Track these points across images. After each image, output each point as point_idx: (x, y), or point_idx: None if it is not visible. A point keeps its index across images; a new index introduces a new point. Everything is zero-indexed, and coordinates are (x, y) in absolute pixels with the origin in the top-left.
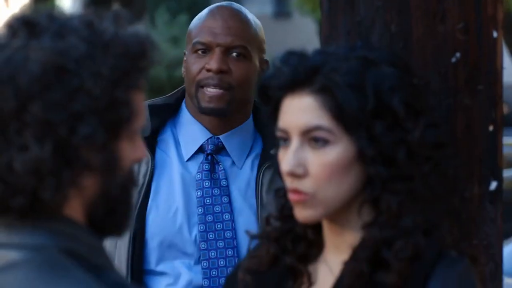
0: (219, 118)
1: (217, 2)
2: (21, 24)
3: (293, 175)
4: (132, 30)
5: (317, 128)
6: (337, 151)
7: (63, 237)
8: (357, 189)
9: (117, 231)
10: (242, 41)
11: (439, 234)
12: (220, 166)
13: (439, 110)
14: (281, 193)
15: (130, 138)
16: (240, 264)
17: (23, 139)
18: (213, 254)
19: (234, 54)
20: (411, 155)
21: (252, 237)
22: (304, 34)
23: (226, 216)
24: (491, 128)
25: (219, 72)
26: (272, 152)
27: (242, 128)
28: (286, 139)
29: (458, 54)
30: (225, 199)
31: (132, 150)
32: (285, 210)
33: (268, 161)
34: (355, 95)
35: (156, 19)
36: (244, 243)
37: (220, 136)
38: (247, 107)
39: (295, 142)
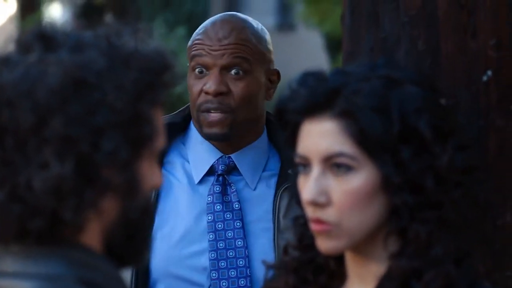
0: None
1: (217, 14)
2: (36, 39)
3: (315, 204)
4: (153, 45)
5: (340, 154)
6: (361, 178)
7: (81, 266)
8: (383, 218)
9: (136, 260)
10: (241, 55)
11: (471, 264)
12: (233, 187)
13: (470, 131)
14: (300, 221)
15: (150, 160)
16: None
17: (43, 156)
18: (224, 284)
19: (233, 72)
20: (440, 181)
21: (269, 267)
22: (309, 48)
23: (239, 243)
24: None
25: (218, 94)
26: (290, 171)
27: (254, 146)
28: (306, 166)
29: (489, 72)
30: (238, 223)
31: (152, 174)
32: (305, 239)
33: (286, 182)
34: (379, 118)
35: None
36: (259, 272)
37: (232, 155)
38: (257, 124)
39: (316, 169)
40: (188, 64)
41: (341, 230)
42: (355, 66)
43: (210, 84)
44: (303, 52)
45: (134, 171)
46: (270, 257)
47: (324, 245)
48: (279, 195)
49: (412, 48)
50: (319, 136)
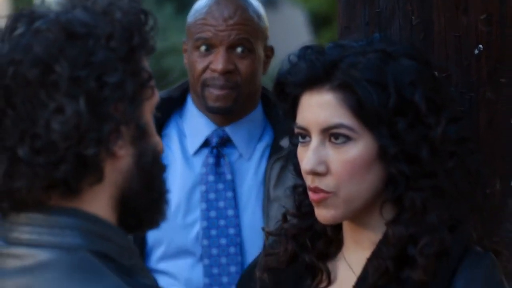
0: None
1: None
2: (19, 17)
3: (315, 173)
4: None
5: (338, 126)
6: (359, 148)
7: (95, 238)
8: (379, 187)
9: (155, 218)
10: (246, 35)
11: (464, 230)
12: (225, 159)
13: (461, 104)
14: (299, 189)
15: (151, 116)
16: (255, 262)
17: (56, 101)
18: (215, 251)
19: (239, 50)
20: (434, 151)
21: (269, 234)
22: (292, 25)
23: (230, 212)
24: None
25: (225, 72)
26: (281, 143)
27: (249, 118)
28: (305, 136)
29: (480, 46)
30: (230, 194)
31: (155, 135)
32: (303, 207)
33: (278, 153)
34: (376, 91)
35: None
36: (249, 240)
37: (226, 128)
38: (255, 97)
39: (315, 139)
40: (184, 41)
41: (339, 199)
42: (351, 40)
43: (218, 62)
44: (287, 29)
45: (140, 113)
46: (260, 226)
47: (323, 214)
48: (271, 165)
49: (406, 23)
50: (318, 108)
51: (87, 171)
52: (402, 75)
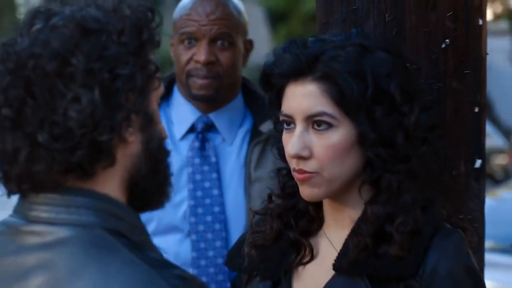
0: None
1: None
2: (37, 13)
3: (299, 157)
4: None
5: (321, 114)
6: (339, 134)
7: (108, 216)
8: (358, 170)
9: (160, 199)
10: (227, 29)
11: (435, 210)
12: (210, 143)
13: (430, 93)
14: (283, 172)
15: (157, 106)
16: (242, 239)
17: (72, 91)
18: (201, 228)
19: (220, 43)
20: (408, 137)
21: (255, 213)
22: (251, 22)
23: (215, 192)
24: (476, 110)
25: (207, 63)
26: (261, 129)
27: (231, 106)
28: (290, 123)
29: (447, 41)
30: (214, 175)
31: (160, 123)
32: (287, 189)
33: (258, 137)
34: (355, 82)
35: None
36: (232, 217)
37: (210, 115)
38: (235, 86)
39: (299, 126)
40: (171, 35)
41: (322, 178)
42: (331, 35)
43: (200, 54)
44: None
45: (147, 102)
46: (242, 204)
47: (307, 191)
48: (252, 149)
49: (380, 20)
50: (302, 97)
51: (101, 156)
52: (379, 67)
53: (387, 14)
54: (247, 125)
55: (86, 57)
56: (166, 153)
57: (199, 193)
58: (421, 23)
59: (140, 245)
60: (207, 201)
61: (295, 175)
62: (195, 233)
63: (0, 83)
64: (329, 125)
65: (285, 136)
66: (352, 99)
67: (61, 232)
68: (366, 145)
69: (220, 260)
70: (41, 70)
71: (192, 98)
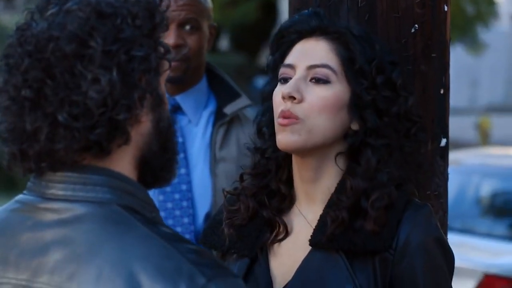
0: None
1: None
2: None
3: (290, 97)
4: None
5: (324, 65)
6: (335, 90)
7: (122, 193)
8: (338, 135)
9: (168, 175)
10: (194, 14)
11: (407, 187)
12: (177, 124)
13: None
14: (257, 151)
15: (164, 87)
16: (217, 219)
17: (91, 72)
18: (169, 205)
19: (188, 27)
20: (399, 116)
21: (228, 193)
22: None
23: (182, 171)
24: (442, 91)
25: (176, 46)
26: (225, 111)
27: (196, 89)
28: (287, 80)
29: (416, 26)
30: (181, 155)
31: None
32: (260, 167)
33: (222, 119)
34: (366, 48)
35: None
36: (199, 195)
37: (176, 97)
38: (200, 69)
39: (299, 72)
40: None
41: (305, 126)
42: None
43: (170, 38)
44: None
45: (158, 82)
46: (208, 183)
47: (286, 138)
48: (216, 130)
49: (353, 5)
50: (312, 49)
51: (117, 134)
52: (385, 52)
53: (359, 0)
54: (211, 107)
55: (103, 40)
56: (174, 131)
57: None
58: (392, 8)
59: (153, 221)
60: (175, 179)
61: (279, 121)
62: (163, 210)
63: (18, 65)
64: (327, 82)
65: (278, 88)
66: (359, 61)
67: (78, 209)
68: (358, 108)
69: (187, 236)
70: (60, 52)
71: None
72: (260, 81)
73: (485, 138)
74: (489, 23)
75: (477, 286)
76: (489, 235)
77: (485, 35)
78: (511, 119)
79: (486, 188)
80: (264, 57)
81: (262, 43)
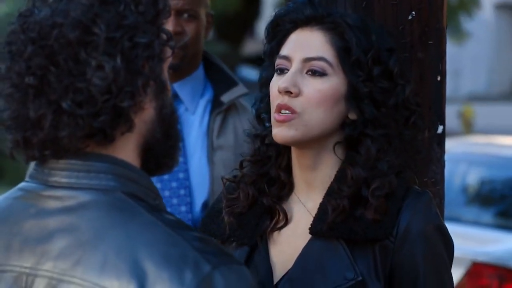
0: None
1: None
2: None
3: (287, 92)
4: None
5: (320, 58)
6: (332, 83)
7: (126, 181)
8: (337, 126)
9: (171, 162)
10: (191, 3)
11: (406, 175)
12: None
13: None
14: (257, 138)
15: (167, 74)
16: (217, 208)
17: (95, 59)
18: (167, 193)
19: (185, 16)
20: (397, 105)
21: (228, 180)
22: None
23: (180, 159)
24: (438, 78)
25: (175, 34)
26: (221, 99)
27: (193, 77)
28: (284, 70)
29: (413, 13)
30: None
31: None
32: (260, 154)
33: (219, 107)
34: (362, 38)
35: None
36: (196, 183)
37: (174, 85)
38: (198, 57)
39: (295, 66)
40: None
41: (302, 120)
42: None
43: (168, 25)
44: None
45: (161, 69)
46: (206, 171)
47: (283, 133)
48: (214, 118)
49: None
50: (307, 41)
51: (121, 122)
52: (382, 39)
53: None
54: (208, 95)
55: (107, 26)
56: (177, 118)
57: None
58: None
59: (157, 208)
60: None
61: (275, 116)
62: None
63: (21, 52)
64: (323, 74)
65: (275, 79)
66: (355, 52)
67: (82, 196)
68: (354, 100)
69: None
70: (64, 39)
71: None
72: (244, 71)
73: (468, 127)
74: (472, 13)
75: (465, 274)
76: (476, 223)
77: (468, 24)
78: (493, 108)
79: (473, 177)
80: (248, 47)
81: (245, 33)
